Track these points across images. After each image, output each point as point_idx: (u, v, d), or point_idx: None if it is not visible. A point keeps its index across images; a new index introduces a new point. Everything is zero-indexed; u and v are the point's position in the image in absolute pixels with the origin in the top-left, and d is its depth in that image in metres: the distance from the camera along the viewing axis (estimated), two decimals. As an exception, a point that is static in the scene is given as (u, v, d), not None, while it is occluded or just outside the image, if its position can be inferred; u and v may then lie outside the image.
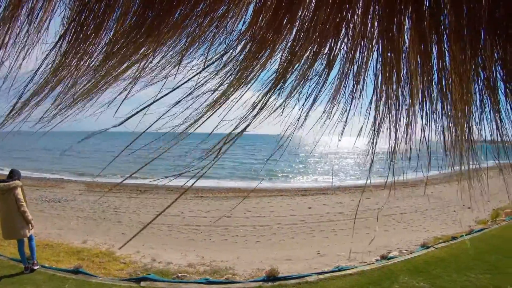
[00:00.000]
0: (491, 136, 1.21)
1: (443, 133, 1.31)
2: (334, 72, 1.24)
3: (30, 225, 9.19)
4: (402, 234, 17.77)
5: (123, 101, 1.24)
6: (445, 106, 1.23)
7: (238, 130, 1.24)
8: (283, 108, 1.30)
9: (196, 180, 1.26)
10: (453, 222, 19.55)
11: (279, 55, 1.21)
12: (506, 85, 1.08)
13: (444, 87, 1.18)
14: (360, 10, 1.11)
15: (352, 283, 9.33)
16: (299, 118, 1.34)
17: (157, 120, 1.18)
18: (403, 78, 1.21)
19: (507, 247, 11.89)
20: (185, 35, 1.17)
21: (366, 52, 1.18)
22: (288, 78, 1.24)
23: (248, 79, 1.24)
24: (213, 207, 23.22)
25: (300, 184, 39.00)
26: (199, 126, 1.26)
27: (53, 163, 49.02)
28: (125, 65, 1.23)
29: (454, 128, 1.29)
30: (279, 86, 1.24)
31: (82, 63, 1.21)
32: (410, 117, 1.30)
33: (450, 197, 22.88)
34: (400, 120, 1.31)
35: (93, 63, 1.22)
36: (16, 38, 1.18)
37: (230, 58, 1.21)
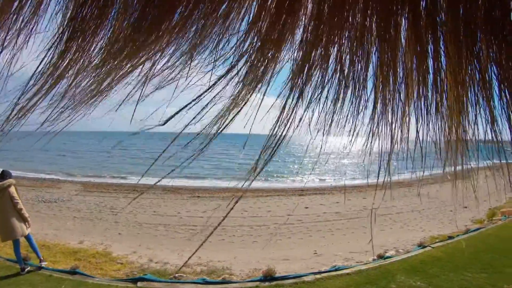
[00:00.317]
0: (485, 136, 1.21)
1: (439, 133, 1.32)
2: (334, 73, 1.25)
3: (27, 223, 9.18)
4: (398, 233, 17.80)
5: (137, 102, 1.25)
6: (440, 106, 1.24)
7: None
8: (306, 111, 1.31)
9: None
10: (449, 222, 19.61)
11: (286, 57, 1.21)
12: (500, 85, 1.08)
13: (439, 87, 1.19)
14: (359, 10, 1.12)
15: (349, 282, 9.34)
16: (301, 120, 1.35)
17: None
18: (400, 78, 1.22)
19: (503, 247, 11.94)
20: (189, 36, 1.17)
21: (365, 53, 1.19)
22: (306, 81, 1.24)
23: (258, 82, 1.24)
24: (210, 207, 23.20)
25: (297, 184, 38.98)
26: (223, 129, 1.26)
27: (49, 163, 48.96)
28: (129, 66, 1.23)
29: (449, 128, 1.30)
30: (295, 89, 1.24)
31: (80, 63, 1.21)
32: (406, 117, 1.30)
33: (447, 196, 22.92)
34: (396, 120, 1.32)
35: (92, 63, 1.22)
36: (10, 37, 1.18)
37: (236, 60, 1.21)
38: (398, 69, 1.20)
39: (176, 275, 10.96)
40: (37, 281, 8.77)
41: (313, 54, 1.19)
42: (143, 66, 1.21)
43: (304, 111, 1.31)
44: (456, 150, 1.36)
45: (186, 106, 1.18)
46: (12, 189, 8.94)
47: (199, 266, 12.58)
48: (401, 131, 1.34)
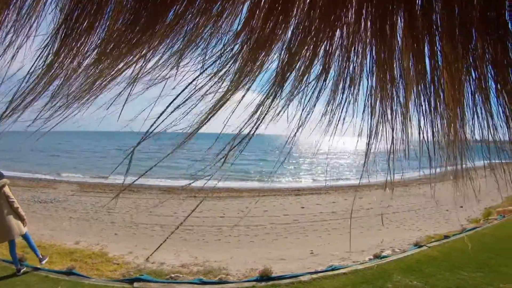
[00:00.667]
0: (482, 136, 1.22)
1: (436, 133, 1.32)
2: (330, 73, 1.25)
3: (24, 221, 9.16)
4: (395, 233, 17.83)
5: (125, 102, 1.24)
6: (438, 105, 1.24)
7: (244, 133, 1.25)
8: (286, 111, 1.31)
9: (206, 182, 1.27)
10: (445, 221, 19.65)
11: (276, 55, 1.21)
12: (497, 85, 1.09)
13: (436, 86, 1.19)
14: (353, 10, 1.12)
15: (346, 282, 9.35)
16: (299, 121, 1.35)
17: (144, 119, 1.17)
18: (397, 78, 1.22)
19: (499, 246, 11.97)
20: (181, 35, 1.17)
21: (360, 52, 1.19)
22: (287, 80, 1.24)
23: (247, 80, 1.24)
24: (207, 207, 23.16)
25: (293, 184, 38.99)
26: (199, 129, 1.26)
27: (44, 163, 48.80)
28: (121, 65, 1.22)
29: (446, 127, 1.30)
30: (279, 88, 1.24)
31: (75, 62, 1.20)
32: (404, 117, 1.30)
33: (443, 196, 22.99)
34: (394, 120, 1.32)
35: (86, 62, 1.21)
36: (5, 36, 1.18)
37: (227, 59, 1.21)
38: (395, 69, 1.20)
39: (173, 275, 10.95)
40: (33, 282, 8.74)
41: (302, 53, 1.19)
42: (135, 65, 1.21)
43: (283, 108, 1.31)
44: (453, 150, 1.36)
45: (171, 103, 1.18)
46: (6, 189, 8.91)
47: (196, 266, 12.58)
48: (398, 130, 1.34)
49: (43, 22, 1.17)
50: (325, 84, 1.28)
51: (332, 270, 10.26)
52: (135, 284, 9.13)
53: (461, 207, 20.88)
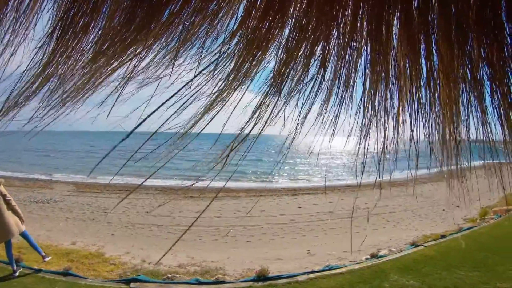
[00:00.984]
0: (476, 136, 1.22)
1: (431, 133, 1.32)
2: (327, 72, 1.25)
3: (21, 219, 9.14)
4: (391, 232, 17.87)
5: (115, 101, 1.24)
6: (433, 106, 1.24)
7: (243, 134, 1.25)
8: (283, 111, 1.31)
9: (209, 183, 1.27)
10: (442, 221, 19.72)
11: (273, 55, 1.21)
12: (492, 85, 1.09)
13: (432, 87, 1.19)
14: (350, 9, 1.12)
15: (343, 282, 9.36)
16: (296, 120, 1.35)
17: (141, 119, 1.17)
18: (392, 78, 1.22)
19: (496, 245, 12.02)
20: (176, 33, 1.17)
21: (356, 52, 1.19)
22: (285, 80, 1.24)
23: (243, 80, 1.24)
24: (203, 207, 23.15)
25: (290, 184, 39.01)
26: (193, 128, 1.26)
27: (40, 163, 48.66)
28: (116, 63, 1.22)
29: (441, 127, 1.30)
30: (276, 88, 1.24)
31: (71, 61, 1.20)
32: (399, 117, 1.30)
33: (439, 196, 23.05)
34: (389, 120, 1.32)
35: (82, 61, 1.21)
36: (3, 36, 1.18)
37: (223, 58, 1.21)
38: (390, 69, 1.20)
39: (170, 275, 10.94)
40: (30, 283, 8.73)
41: (299, 53, 1.19)
42: (130, 64, 1.21)
43: (280, 109, 1.31)
44: (448, 150, 1.36)
45: (164, 102, 1.18)
46: (2, 188, 8.88)
47: (193, 267, 12.58)
48: (394, 130, 1.34)
49: (41, 21, 1.17)
50: (322, 83, 1.28)
51: (329, 269, 10.27)
52: (132, 285, 9.12)
53: (458, 206, 20.92)
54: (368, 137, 1.37)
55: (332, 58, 1.21)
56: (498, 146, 1.23)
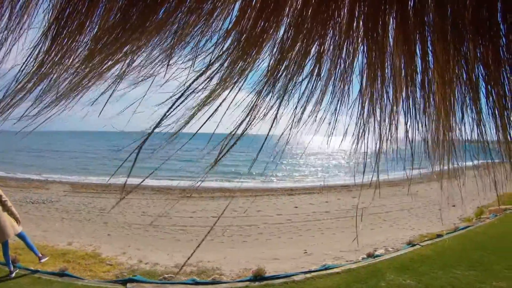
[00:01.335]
0: (471, 136, 1.22)
1: (427, 133, 1.32)
2: (321, 73, 1.25)
3: (17, 220, 9.10)
4: (388, 232, 17.91)
5: (107, 100, 1.23)
6: (428, 105, 1.24)
7: (237, 133, 1.24)
8: (277, 110, 1.30)
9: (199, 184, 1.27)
10: (438, 220, 19.75)
11: (267, 54, 1.20)
12: (487, 86, 1.09)
13: (427, 87, 1.19)
14: (345, 9, 1.12)
15: (339, 281, 9.38)
16: (291, 120, 1.35)
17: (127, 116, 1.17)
18: (387, 77, 1.22)
19: (492, 244, 12.06)
20: (171, 33, 1.16)
21: (351, 52, 1.19)
22: (279, 79, 1.23)
23: (237, 79, 1.24)
24: (200, 207, 23.16)
25: (287, 184, 39.02)
26: (185, 126, 1.25)
27: (36, 163, 48.52)
28: (110, 62, 1.22)
29: (436, 128, 1.30)
30: (270, 87, 1.24)
31: (65, 60, 1.20)
32: (394, 116, 1.31)
33: (435, 195, 23.09)
34: (384, 120, 1.32)
35: (77, 60, 1.21)
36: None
37: (217, 57, 1.20)
38: (386, 69, 1.20)
39: (166, 276, 10.94)
40: (26, 284, 8.71)
41: (294, 52, 1.19)
42: (125, 63, 1.21)
43: (274, 108, 1.31)
44: (444, 150, 1.36)
45: (162, 103, 1.17)
46: None
47: (189, 267, 12.56)
48: (389, 130, 1.34)
49: (36, 20, 1.17)
50: (316, 83, 1.28)
51: (326, 269, 10.29)
52: (129, 285, 9.11)
53: (454, 206, 20.98)
54: (363, 137, 1.37)
55: (327, 57, 1.21)
56: (492, 146, 1.23)
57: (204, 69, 1.21)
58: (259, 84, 1.26)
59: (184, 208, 22.43)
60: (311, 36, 1.16)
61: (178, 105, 1.19)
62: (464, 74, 1.10)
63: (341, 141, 1.47)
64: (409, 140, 1.34)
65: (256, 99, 1.26)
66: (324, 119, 1.40)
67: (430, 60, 1.13)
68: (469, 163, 1.44)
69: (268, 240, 17.26)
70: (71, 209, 21.73)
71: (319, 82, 1.27)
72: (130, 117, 1.17)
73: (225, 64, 1.20)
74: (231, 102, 1.26)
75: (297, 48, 1.18)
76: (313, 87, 1.28)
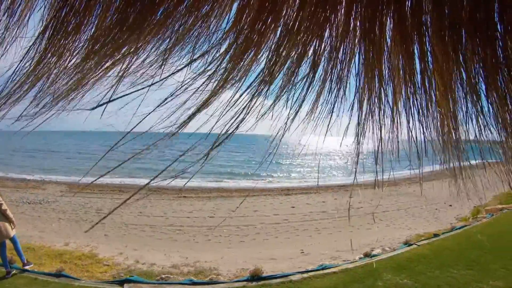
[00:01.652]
0: (474, 136, 1.22)
1: (426, 132, 1.32)
2: (318, 73, 1.25)
3: (12, 224, 9.06)
4: (384, 232, 17.95)
5: (108, 102, 1.23)
6: (428, 105, 1.24)
7: (228, 132, 1.24)
8: (271, 110, 1.30)
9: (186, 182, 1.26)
10: (435, 220, 19.81)
11: (265, 55, 1.20)
12: (487, 85, 1.09)
13: (427, 87, 1.19)
14: (343, 10, 1.12)
15: (336, 281, 9.39)
16: (286, 120, 1.34)
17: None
18: (385, 78, 1.22)
19: (488, 244, 12.08)
20: (168, 34, 1.16)
21: (348, 52, 1.19)
22: (275, 79, 1.23)
23: (235, 80, 1.23)
24: (196, 207, 23.16)
25: (283, 184, 39.04)
26: (183, 127, 1.25)
27: (32, 163, 48.39)
28: (108, 63, 1.21)
29: (437, 127, 1.30)
30: (265, 87, 1.24)
31: (62, 60, 1.19)
32: (393, 117, 1.31)
33: (432, 195, 23.15)
34: (383, 120, 1.32)
35: (73, 60, 1.20)
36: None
37: (215, 59, 1.20)
38: (384, 69, 1.20)
39: (163, 276, 10.93)
40: (22, 284, 8.68)
41: (291, 53, 1.19)
42: (122, 64, 1.20)
43: (292, 113, 1.31)
44: (444, 149, 1.37)
45: (160, 104, 1.17)
46: None
47: (186, 267, 12.58)
48: (388, 130, 1.34)
49: (32, 20, 1.16)
50: (313, 83, 1.28)
51: (323, 269, 10.30)
52: (126, 286, 9.09)
53: (450, 205, 21.06)
54: (360, 137, 1.37)
55: (324, 58, 1.21)
56: (493, 145, 1.23)
57: (202, 70, 1.20)
58: (256, 84, 1.26)
59: (181, 208, 22.44)
60: (309, 37, 1.16)
61: (176, 105, 1.19)
62: (464, 74, 1.10)
63: (339, 141, 1.47)
64: (408, 140, 1.34)
65: (253, 99, 1.26)
66: (321, 119, 1.40)
67: (429, 60, 1.13)
68: (468, 163, 1.44)
69: (265, 240, 17.28)
70: (68, 209, 21.68)
71: (316, 82, 1.27)
72: (129, 118, 1.17)
73: (223, 65, 1.20)
74: (229, 102, 1.26)
75: (294, 49, 1.18)
76: (310, 87, 1.28)
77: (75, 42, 1.17)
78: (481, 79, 1.09)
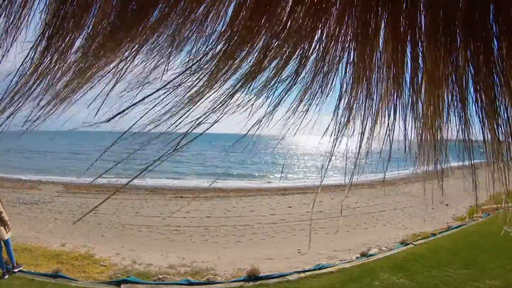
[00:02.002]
0: (463, 136, 1.23)
1: (416, 133, 1.33)
2: (306, 72, 1.25)
3: (7, 226, 9.02)
4: (381, 231, 17.97)
5: (103, 102, 1.23)
6: (417, 106, 1.25)
7: (201, 127, 1.24)
8: (257, 108, 1.30)
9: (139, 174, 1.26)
10: (431, 220, 19.85)
11: (256, 55, 1.21)
12: (476, 86, 1.10)
13: (416, 88, 1.20)
14: (335, 12, 1.12)
15: (333, 281, 9.40)
16: (263, 116, 1.34)
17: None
18: (375, 79, 1.22)
19: (484, 243, 12.13)
20: (165, 35, 1.17)
21: (339, 53, 1.19)
22: (258, 77, 1.24)
23: (225, 78, 1.24)
24: (193, 207, 23.12)
25: (280, 184, 39.03)
26: (172, 125, 1.25)
27: (28, 164, 48.26)
28: (105, 63, 1.22)
29: (425, 128, 1.31)
30: (247, 84, 1.24)
31: (61, 61, 1.20)
32: (385, 117, 1.31)
33: (428, 195, 23.16)
34: (377, 120, 1.32)
35: (71, 61, 1.21)
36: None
37: (210, 58, 1.20)
38: (374, 69, 1.20)
39: (160, 276, 10.92)
40: (19, 285, 8.66)
41: (280, 53, 1.19)
42: (119, 64, 1.21)
43: (272, 110, 1.31)
44: (434, 150, 1.37)
45: (137, 103, 1.18)
46: None
47: (183, 267, 12.56)
48: (377, 131, 1.35)
49: (32, 21, 1.17)
50: (302, 82, 1.28)
51: (320, 269, 10.31)
52: (123, 286, 9.09)
53: (447, 205, 21.10)
54: (355, 137, 1.37)
55: (313, 58, 1.22)
56: (478, 146, 1.24)
57: (196, 69, 1.21)
58: (239, 82, 1.27)
59: (178, 208, 22.38)
60: (300, 37, 1.16)
61: (168, 104, 1.20)
62: (453, 75, 1.11)
63: (336, 142, 1.48)
64: (402, 140, 1.35)
65: (242, 97, 1.27)
66: (316, 119, 1.40)
67: (420, 61, 1.14)
68: (459, 163, 1.45)
69: (262, 240, 17.27)
70: (64, 209, 21.62)
71: (309, 82, 1.28)
72: (123, 118, 1.17)
73: (218, 65, 1.21)
74: (225, 102, 1.26)
75: (284, 49, 1.19)
76: (299, 87, 1.29)
77: (73, 43, 1.17)
78: (470, 80, 1.10)
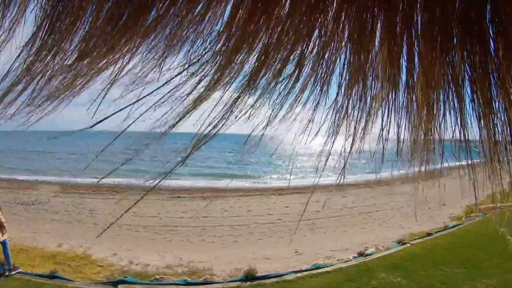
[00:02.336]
0: (459, 136, 1.23)
1: (415, 133, 1.33)
2: (303, 73, 1.25)
3: (3, 228, 9.00)
4: (378, 231, 17.98)
5: (100, 102, 1.23)
6: (412, 106, 1.25)
7: (212, 130, 1.24)
8: (255, 109, 1.30)
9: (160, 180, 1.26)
10: (428, 219, 19.86)
11: (256, 56, 1.21)
12: (472, 86, 1.10)
13: (411, 87, 1.20)
14: (332, 12, 1.12)
15: (330, 280, 9.41)
16: (269, 118, 1.34)
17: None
18: (371, 79, 1.22)
19: (481, 242, 12.15)
20: (163, 35, 1.16)
21: (335, 53, 1.19)
22: (259, 79, 1.23)
23: (226, 81, 1.24)
24: (190, 207, 23.09)
25: (277, 184, 39.07)
26: (174, 127, 1.25)
27: (25, 164, 48.12)
28: (101, 64, 1.21)
29: (421, 127, 1.31)
30: (250, 87, 1.24)
31: (56, 60, 1.19)
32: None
33: (425, 194, 23.20)
34: (372, 120, 1.32)
35: (66, 61, 1.20)
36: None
37: (208, 59, 1.20)
38: (370, 70, 1.20)
39: (157, 276, 10.91)
40: (16, 286, 8.65)
41: (279, 53, 1.19)
42: (116, 64, 1.20)
43: (275, 112, 1.31)
44: (431, 149, 1.37)
45: (134, 103, 1.17)
46: None
47: (180, 267, 12.55)
48: (372, 130, 1.35)
49: (28, 20, 1.16)
50: (297, 83, 1.28)
51: (317, 268, 10.32)
52: (120, 286, 9.09)
53: (444, 205, 21.12)
54: (349, 137, 1.37)
55: (311, 58, 1.22)
56: (475, 145, 1.25)
57: (194, 71, 1.21)
58: (241, 84, 1.26)
59: (175, 209, 22.38)
60: (298, 37, 1.16)
61: (167, 105, 1.20)
62: (450, 74, 1.11)
63: (332, 141, 1.48)
64: (396, 140, 1.35)
65: (237, 98, 1.27)
66: (309, 118, 1.40)
67: (415, 60, 1.14)
68: (456, 163, 1.45)
69: (259, 240, 17.26)
70: (61, 210, 21.56)
71: (300, 81, 1.28)
72: (120, 119, 1.16)
73: (216, 66, 1.20)
74: (219, 102, 1.26)
75: (282, 49, 1.19)
76: (294, 86, 1.29)
77: (69, 42, 1.17)
78: (467, 79, 1.10)
